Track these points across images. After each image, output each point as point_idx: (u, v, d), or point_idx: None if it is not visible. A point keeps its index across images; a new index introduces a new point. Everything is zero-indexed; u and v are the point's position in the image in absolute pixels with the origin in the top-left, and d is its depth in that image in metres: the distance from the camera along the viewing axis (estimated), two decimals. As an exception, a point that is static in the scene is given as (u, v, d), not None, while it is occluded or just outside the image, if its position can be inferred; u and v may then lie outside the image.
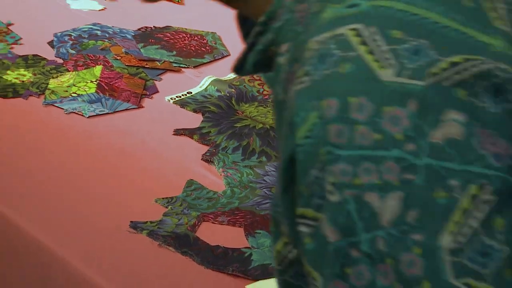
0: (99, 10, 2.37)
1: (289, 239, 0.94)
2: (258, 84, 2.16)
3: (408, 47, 0.83)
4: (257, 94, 2.10)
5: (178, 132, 2.01)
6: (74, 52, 2.19)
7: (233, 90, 2.11)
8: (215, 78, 2.14)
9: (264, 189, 1.89)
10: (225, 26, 2.35)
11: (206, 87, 2.12)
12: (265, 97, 2.20)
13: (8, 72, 2.08)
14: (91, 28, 2.32)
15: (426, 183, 0.80)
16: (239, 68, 1.03)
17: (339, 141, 0.81)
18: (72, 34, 2.28)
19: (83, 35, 2.26)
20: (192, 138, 1.99)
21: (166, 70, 2.17)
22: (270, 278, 1.71)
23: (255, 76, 2.18)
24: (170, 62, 2.19)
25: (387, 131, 0.80)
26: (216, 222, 1.77)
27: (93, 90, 2.06)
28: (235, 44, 2.15)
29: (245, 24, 1.07)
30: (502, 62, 0.83)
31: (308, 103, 0.83)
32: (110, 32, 2.30)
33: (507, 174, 0.81)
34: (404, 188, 0.80)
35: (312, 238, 0.84)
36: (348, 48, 0.84)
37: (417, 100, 0.81)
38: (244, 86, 2.12)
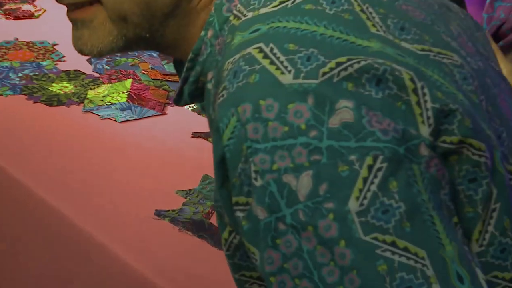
0: None
1: (232, 227, 1.00)
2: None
3: (301, 55, 0.89)
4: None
5: (195, 135, 2.04)
6: (108, 67, 2.22)
7: None
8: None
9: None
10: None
11: None
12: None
13: (53, 84, 2.12)
14: None
15: (330, 161, 0.86)
16: (178, 99, 1.10)
17: (256, 136, 0.87)
18: None
19: (117, 55, 2.29)
20: (207, 140, 2.01)
21: None
22: None
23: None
24: None
25: (293, 123, 0.86)
26: None
27: (124, 100, 2.10)
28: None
29: (181, 67, 1.11)
30: (379, 58, 0.90)
31: (228, 110, 0.89)
32: (139, 51, 2.32)
33: (393, 145, 0.87)
34: (313, 167, 0.85)
35: (247, 219, 0.89)
36: (254, 63, 0.90)
37: (314, 95, 0.87)
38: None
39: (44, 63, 2.22)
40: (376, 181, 0.86)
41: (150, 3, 1.02)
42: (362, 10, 0.96)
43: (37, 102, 2.10)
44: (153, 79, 2.20)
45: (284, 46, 0.91)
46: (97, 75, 2.21)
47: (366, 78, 0.88)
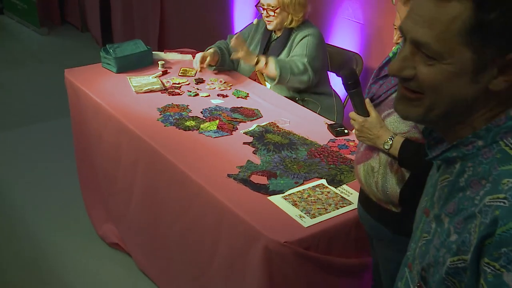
0: (220, 103, 2.42)
1: (466, 261, 0.70)
2: (273, 127, 2.12)
3: None
4: (272, 131, 2.07)
5: (245, 143, 2.01)
6: (209, 115, 2.23)
7: (264, 129, 2.10)
8: (258, 124, 2.13)
9: (273, 164, 1.85)
10: (263, 108, 2.39)
11: (254, 128, 2.10)
12: (274, 131, 2.08)
13: (187, 122, 2.13)
14: (216, 107, 2.27)
15: None
16: (430, 158, 0.80)
17: None
18: (208, 109, 2.21)
19: (212, 110, 2.30)
20: (249, 145, 1.99)
21: (240, 122, 2.23)
22: (277, 194, 1.69)
23: (273, 122, 2.15)
24: (242, 119, 2.23)
25: None
26: (257, 175, 1.79)
27: (215, 128, 2.11)
28: (265, 113, 2.23)
29: (431, 134, 0.84)
30: None
31: (509, 216, 0.65)
32: (221, 108, 2.26)
33: None
34: None
35: (493, 277, 0.66)
36: None
37: None
38: (268, 127, 2.12)
39: (183, 113, 2.23)
40: None
41: (450, 111, 0.73)
42: None
43: (180, 129, 2.10)
44: (227, 120, 2.21)
45: None
46: (204, 118, 2.21)
47: None
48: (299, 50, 2.43)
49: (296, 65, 2.37)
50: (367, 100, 1.41)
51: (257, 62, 2.38)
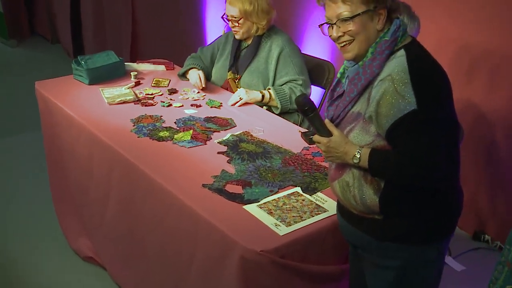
0: (193, 113, 2.41)
1: None
2: (247, 136, 2.13)
3: None
4: (246, 140, 2.07)
5: (220, 152, 2.00)
6: (183, 125, 2.22)
7: (238, 138, 2.11)
8: (232, 133, 2.12)
9: (247, 173, 1.85)
10: (237, 117, 2.39)
11: (228, 137, 2.10)
12: (248, 140, 2.09)
13: (160, 132, 2.11)
14: (190, 117, 2.28)
15: None
16: None
17: None
18: (182, 119, 2.22)
19: (186, 120, 2.30)
20: (224, 154, 1.99)
21: (214, 131, 2.22)
22: (252, 203, 1.69)
23: (247, 131, 2.15)
24: (216, 128, 2.22)
25: None
26: (232, 184, 1.78)
27: (189, 138, 2.10)
28: (239, 122, 2.22)
29: None
30: None
31: None
32: (195, 118, 2.29)
33: None
34: None
35: None
36: None
37: None
38: (242, 136, 2.13)
39: (157, 124, 2.22)
40: None
41: None
42: None
43: (154, 139, 2.09)
44: (201, 130, 2.19)
45: None
46: (178, 128, 2.20)
47: None
48: (288, 70, 2.47)
49: (295, 93, 2.44)
50: (326, 121, 1.41)
51: (263, 97, 2.45)
